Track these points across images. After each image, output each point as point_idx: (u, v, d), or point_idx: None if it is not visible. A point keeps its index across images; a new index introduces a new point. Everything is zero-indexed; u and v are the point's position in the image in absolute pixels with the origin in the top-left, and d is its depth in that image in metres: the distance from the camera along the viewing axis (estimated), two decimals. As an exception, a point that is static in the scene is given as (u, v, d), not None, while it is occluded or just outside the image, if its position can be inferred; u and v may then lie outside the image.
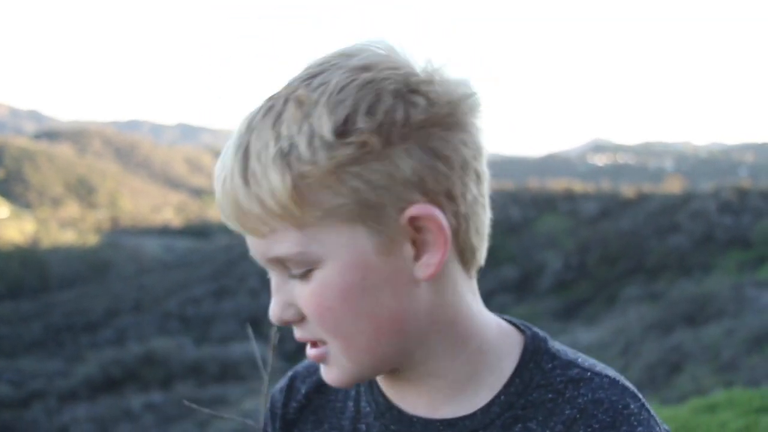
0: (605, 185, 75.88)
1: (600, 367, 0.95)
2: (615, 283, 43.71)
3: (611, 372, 0.94)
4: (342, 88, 0.83)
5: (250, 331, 1.52)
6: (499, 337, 0.98)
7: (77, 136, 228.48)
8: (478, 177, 0.89)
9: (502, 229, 67.24)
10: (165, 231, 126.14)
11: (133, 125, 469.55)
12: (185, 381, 32.55)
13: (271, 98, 0.88)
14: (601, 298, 42.44)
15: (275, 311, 0.92)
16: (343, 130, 0.81)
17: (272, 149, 0.83)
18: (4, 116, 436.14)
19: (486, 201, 0.93)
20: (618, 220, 52.68)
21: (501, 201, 70.89)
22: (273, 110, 0.86)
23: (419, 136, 0.83)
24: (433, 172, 0.84)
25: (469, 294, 0.96)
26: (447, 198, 0.85)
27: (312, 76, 0.87)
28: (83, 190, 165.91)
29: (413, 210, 0.84)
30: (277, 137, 0.83)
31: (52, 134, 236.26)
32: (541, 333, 1.00)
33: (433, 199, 0.84)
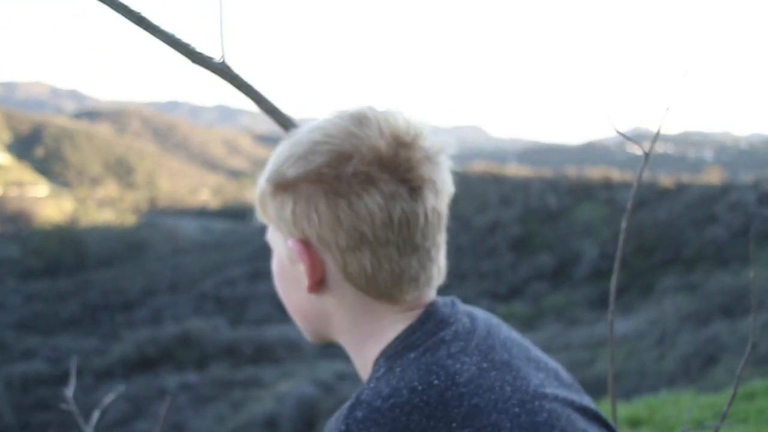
0: (644, 175, 75.49)
1: (361, 397, 0.98)
2: (651, 273, 43.49)
3: (364, 397, 0.97)
4: (292, 143, 1.10)
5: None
6: (366, 357, 1.14)
7: (116, 116, 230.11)
8: (362, 235, 1.04)
9: (539, 216, 67.05)
10: (202, 212, 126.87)
11: (172, 106, 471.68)
12: (220, 362, 32.77)
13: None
14: (637, 288, 42.21)
15: None
16: (270, 173, 1.11)
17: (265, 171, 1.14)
18: (44, 95, 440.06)
19: (406, 243, 1.06)
20: (656, 210, 52.30)
21: (539, 188, 70.78)
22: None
23: (301, 190, 1.05)
24: (308, 220, 1.05)
25: (373, 313, 1.11)
26: (319, 242, 1.06)
27: (304, 125, 1.14)
28: (122, 170, 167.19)
29: (289, 242, 1.09)
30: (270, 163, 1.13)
31: (91, 114, 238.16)
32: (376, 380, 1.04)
33: (305, 239, 1.07)
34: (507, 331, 1.17)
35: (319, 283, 1.09)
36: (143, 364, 34.48)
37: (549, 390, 1.06)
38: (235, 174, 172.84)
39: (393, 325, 1.10)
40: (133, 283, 63.28)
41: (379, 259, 1.05)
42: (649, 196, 56.93)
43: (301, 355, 33.22)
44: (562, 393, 1.09)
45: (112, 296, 60.32)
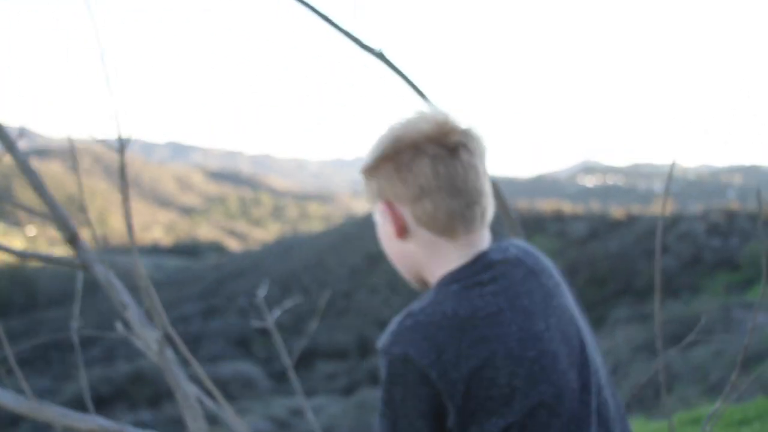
0: (594, 206, 76.16)
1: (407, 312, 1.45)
2: (603, 304, 43.83)
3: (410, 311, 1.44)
4: (375, 142, 1.54)
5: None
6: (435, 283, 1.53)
7: (67, 153, 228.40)
8: (421, 188, 1.46)
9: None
10: (154, 249, 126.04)
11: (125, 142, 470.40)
12: (173, 400, 32.41)
13: None
14: (590, 320, 42.27)
15: None
16: (362, 166, 1.56)
17: None
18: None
19: (452, 188, 1.46)
20: (607, 241, 52.85)
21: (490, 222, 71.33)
22: None
23: (380, 169, 1.51)
24: (387, 187, 1.50)
25: (441, 250, 1.52)
26: (396, 200, 1.50)
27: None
28: (73, 208, 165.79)
29: (379, 205, 1.54)
30: None
31: (41, 152, 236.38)
32: (447, 293, 1.43)
33: (388, 201, 1.51)
34: (545, 278, 1.51)
35: (401, 230, 1.51)
36: (96, 402, 33.65)
37: (548, 334, 1.40)
38: (186, 210, 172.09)
39: (453, 261, 1.50)
40: (85, 321, 62.61)
41: (435, 203, 1.45)
42: (601, 227, 57.62)
43: (256, 392, 33.05)
44: (560, 338, 1.43)
45: (64, 336, 59.64)
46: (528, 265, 1.50)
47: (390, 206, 1.50)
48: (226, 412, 2.71)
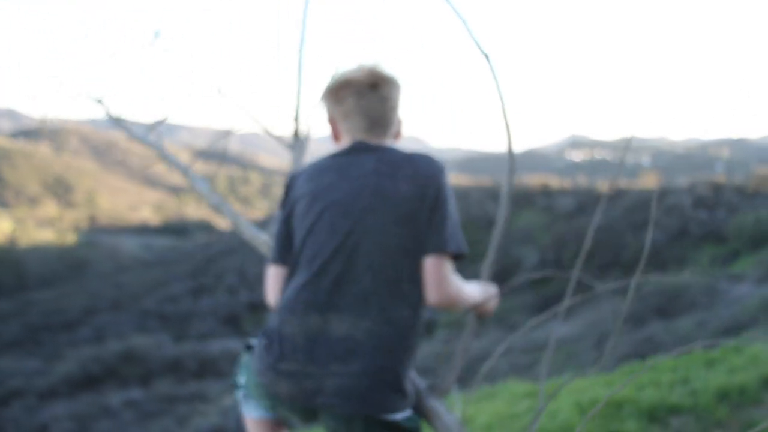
0: (582, 181, 76.20)
1: None
2: (591, 277, 43.98)
3: None
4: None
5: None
6: None
7: (54, 134, 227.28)
8: (348, 111, 2.35)
9: (479, 225, 67.53)
10: (143, 229, 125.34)
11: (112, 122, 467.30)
12: (164, 378, 32.54)
13: None
14: (578, 292, 42.47)
15: None
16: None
17: None
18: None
19: (364, 113, 2.33)
20: (594, 215, 52.78)
21: (478, 197, 71.26)
22: None
23: (328, 98, 2.34)
24: (330, 110, 2.41)
25: (343, 143, 2.48)
26: (334, 117, 2.41)
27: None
28: (61, 189, 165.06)
29: (326, 119, 2.46)
30: None
31: (29, 133, 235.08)
32: None
33: (330, 118, 2.42)
34: (372, 170, 2.21)
35: (336, 136, 2.38)
36: (87, 382, 34.10)
37: (334, 186, 2.23)
38: (175, 190, 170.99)
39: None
40: (75, 302, 62.38)
41: (353, 120, 2.29)
42: (588, 202, 57.75)
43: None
44: (341, 192, 2.21)
45: (53, 316, 59.52)
46: (370, 159, 2.23)
47: (332, 122, 2.38)
48: (227, 207, 3.16)
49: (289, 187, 2.36)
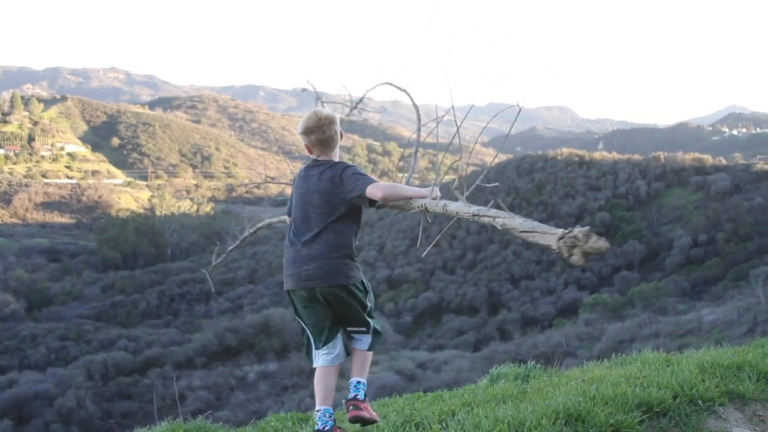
0: (739, 158, 73.15)
1: None
2: (746, 261, 41.64)
3: None
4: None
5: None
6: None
7: (192, 103, 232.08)
8: (314, 141, 4.64)
9: (628, 202, 65.60)
10: (281, 201, 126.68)
11: (250, 90, 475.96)
12: (299, 351, 32.12)
13: None
14: (731, 277, 40.40)
15: None
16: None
17: None
18: (120, 82, 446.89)
19: (320, 144, 4.64)
20: (751, 194, 50.45)
21: (627, 173, 69.25)
22: None
23: (303, 136, 4.68)
24: (305, 140, 4.74)
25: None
26: (309, 143, 4.70)
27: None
28: (198, 159, 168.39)
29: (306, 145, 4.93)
30: None
31: (167, 101, 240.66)
32: None
33: (306, 145, 4.76)
34: (316, 176, 4.50)
35: (310, 152, 4.61)
36: (223, 353, 34.07)
37: (304, 185, 4.54)
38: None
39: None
40: (212, 273, 63.41)
41: (315, 146, 4.53)
42: (746, 180, 54.97)
43: (383, 346, 32.41)
44: (307, 187, 4.53)
45: (190, 286, 60.25)
46: (316, 171, 4.46)
47: (307, 147, 4.54)
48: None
49: (294, 183, 4.67)
